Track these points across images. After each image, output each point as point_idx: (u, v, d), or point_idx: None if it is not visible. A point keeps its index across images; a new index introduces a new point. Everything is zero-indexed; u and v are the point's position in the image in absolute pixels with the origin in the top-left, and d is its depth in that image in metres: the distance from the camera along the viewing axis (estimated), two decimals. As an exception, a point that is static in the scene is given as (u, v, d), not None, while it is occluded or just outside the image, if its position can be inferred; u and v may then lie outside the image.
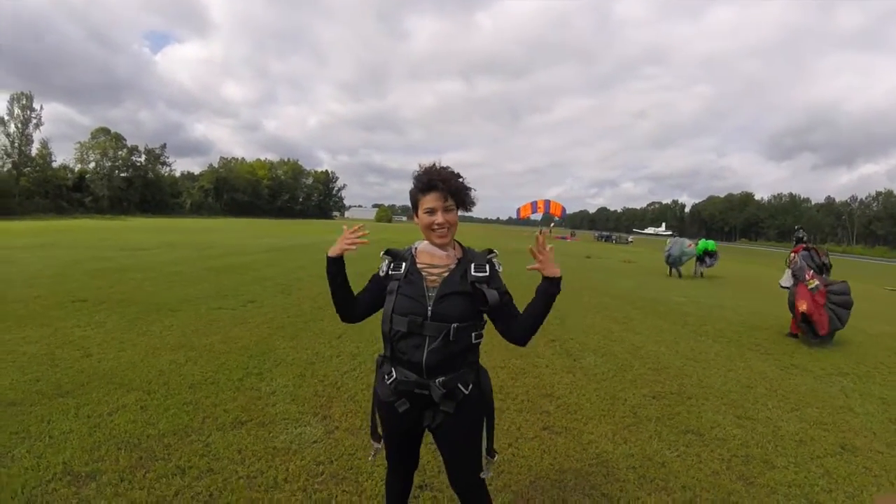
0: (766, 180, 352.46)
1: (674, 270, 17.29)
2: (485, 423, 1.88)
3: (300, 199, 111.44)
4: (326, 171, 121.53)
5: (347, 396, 3.97)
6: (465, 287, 1.76)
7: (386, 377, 1.81)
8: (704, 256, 17.15)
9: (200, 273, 10.28)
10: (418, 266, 1.83)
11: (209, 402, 3.69)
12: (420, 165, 1.83)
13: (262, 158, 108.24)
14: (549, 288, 1.77)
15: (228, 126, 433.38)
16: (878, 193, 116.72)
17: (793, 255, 7.75)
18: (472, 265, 1.80)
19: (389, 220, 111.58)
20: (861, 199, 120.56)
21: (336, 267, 1.86)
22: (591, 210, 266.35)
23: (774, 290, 13.01)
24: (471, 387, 1.79)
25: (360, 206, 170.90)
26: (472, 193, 1.84)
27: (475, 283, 1.76)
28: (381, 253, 1.91)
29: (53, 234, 20.66)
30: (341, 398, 3.93)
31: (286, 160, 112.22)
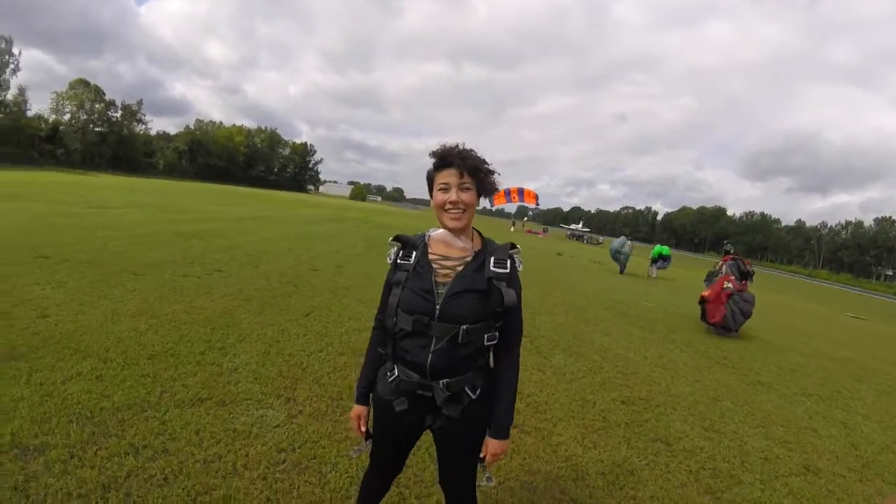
0: (739, 196, 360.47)
1: (623, 269, 18.54)
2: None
3: (275, 170, 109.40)
4: (305, 143, 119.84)
5: (313, 379, 3.80)
6: (479, 283, 1.57)
7: (388, 374, 1.66)
8: (659, 259, 18.58)
9: (168, 237, 9.90)
10: (430, 257, 1.64)
11: (168, 376, 3.48)
12: (441, 146, 1.63)
13: (240, 124, 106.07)
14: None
15: (207, 87, 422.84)
16: (849, 223, 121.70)
17: (721, 263, 9.05)
18: (492, 259, 1.60)
19: (364, 199, 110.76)
20: (831, 227, 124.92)
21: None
22: (566, 208, 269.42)
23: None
24: (479, 391, 1.63)
25: (335, 182, 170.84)
26: (495, 179, 1.64)
27: (493, 279, 1.57)
28: (390, 239, 1.71)
29: (22, 186, 19.69)
30: (306, 380, 3.76)
31: (264, 128, 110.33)
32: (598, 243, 53.53)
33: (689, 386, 5.15)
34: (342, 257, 10.48)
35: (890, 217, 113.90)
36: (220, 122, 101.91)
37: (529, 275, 12.76)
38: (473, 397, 1.61)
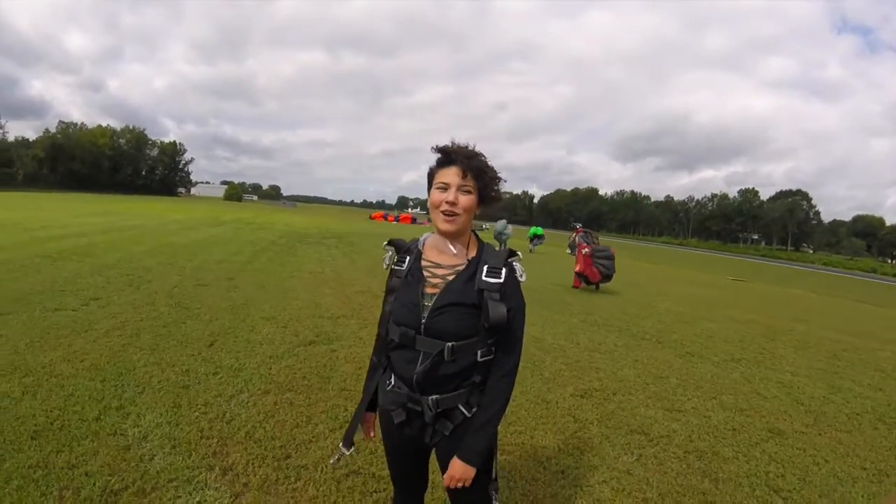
0: (610, 177, 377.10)
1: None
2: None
3: (143, 173, 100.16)
4: (174, 141, 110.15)
5: (245, 434, 2.99)
6: (469, 296, 1.45)
7: (387, 383, 1.57)
8: (534, 238, 23.27)
9: (32, 261, 8.26)
10: (422, 264, 1.56)
11: (63, 462, 2.51)
12: (451, 142, 1.55)
13: (104, 124, 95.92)
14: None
15: (68, 84, 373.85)
16: (714, 195, 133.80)
17: (574, 235, 11.68)
18: (485, 267, 1.48)
19: (239, 199, 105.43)
20: (697, 200, 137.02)
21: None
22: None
23: (636, 280, 14.13)
24: (475, 409, 1.49)
25: (207, 183, 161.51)
26: (500, 186, 1.56)
27: (484, 290, 1.44)
28: (384, 244, 1.66)
29: None
30: (237, 437, 2.95)
31: (130, 128, 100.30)
32: (482, 229, 55.99)
33: (632, 368, 5.14)
34: (231, 267, 9.40)
35: (752, 188, 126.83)
36: (83, 124, 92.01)
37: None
38: (468, 415, 1.49)
